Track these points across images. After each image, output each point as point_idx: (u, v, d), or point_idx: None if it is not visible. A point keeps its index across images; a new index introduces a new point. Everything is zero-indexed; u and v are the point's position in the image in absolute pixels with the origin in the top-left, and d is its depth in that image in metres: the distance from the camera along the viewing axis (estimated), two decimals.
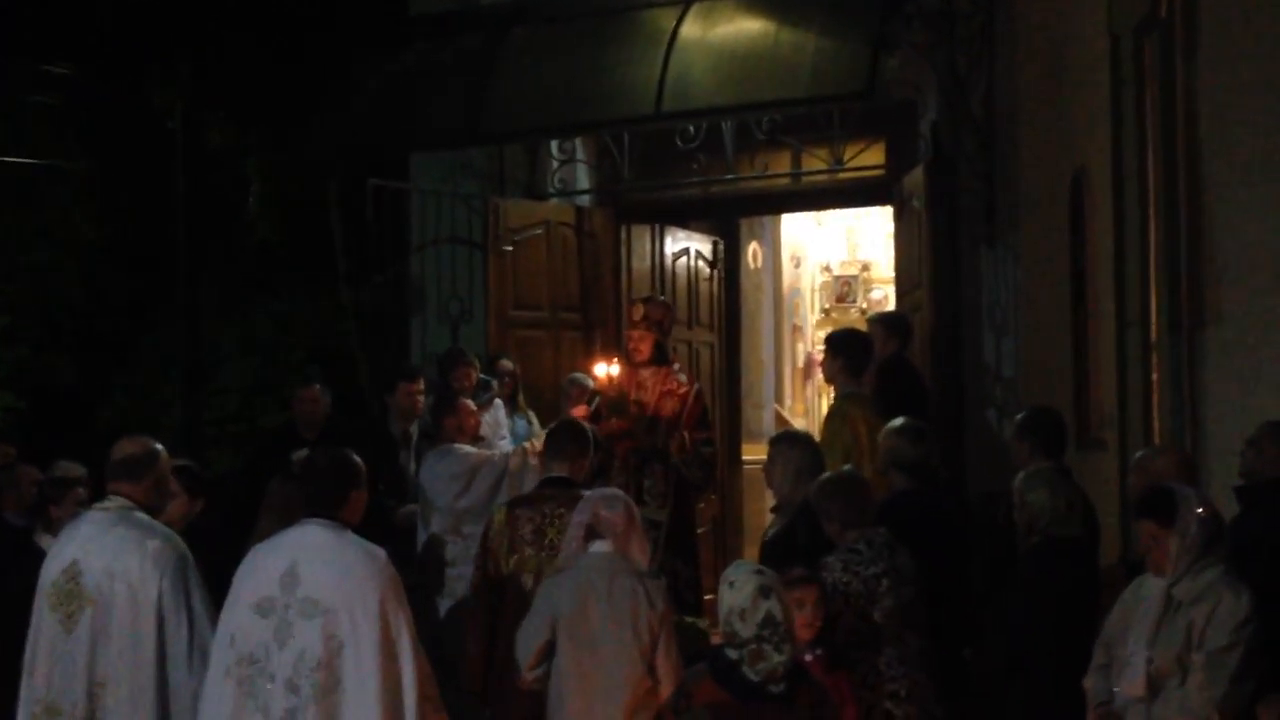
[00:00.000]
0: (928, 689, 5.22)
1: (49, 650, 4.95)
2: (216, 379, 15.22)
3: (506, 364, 9.06)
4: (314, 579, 4.53)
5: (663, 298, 9.20)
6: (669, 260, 10.72)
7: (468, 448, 7.18)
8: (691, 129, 9.55)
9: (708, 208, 11.04)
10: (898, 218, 9.73)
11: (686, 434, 8.05)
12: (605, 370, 8.00)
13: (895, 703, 5.12)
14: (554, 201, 10.51)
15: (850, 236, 13.56)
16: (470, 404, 7.52)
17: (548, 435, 6.28)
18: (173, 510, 5.63)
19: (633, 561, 5.11)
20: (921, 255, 8.92)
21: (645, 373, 8.17)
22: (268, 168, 15.26)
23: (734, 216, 11.50)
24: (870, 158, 9.90)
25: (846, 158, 9.73)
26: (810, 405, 13.35)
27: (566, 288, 10.28)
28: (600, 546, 5.08)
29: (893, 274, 10.76)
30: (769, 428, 11.64)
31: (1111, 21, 7.28)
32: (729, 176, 10.20)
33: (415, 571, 6.69)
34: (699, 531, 8.82)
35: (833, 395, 7.74)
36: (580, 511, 5.18)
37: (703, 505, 9.04)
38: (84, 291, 15.50)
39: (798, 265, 13.54)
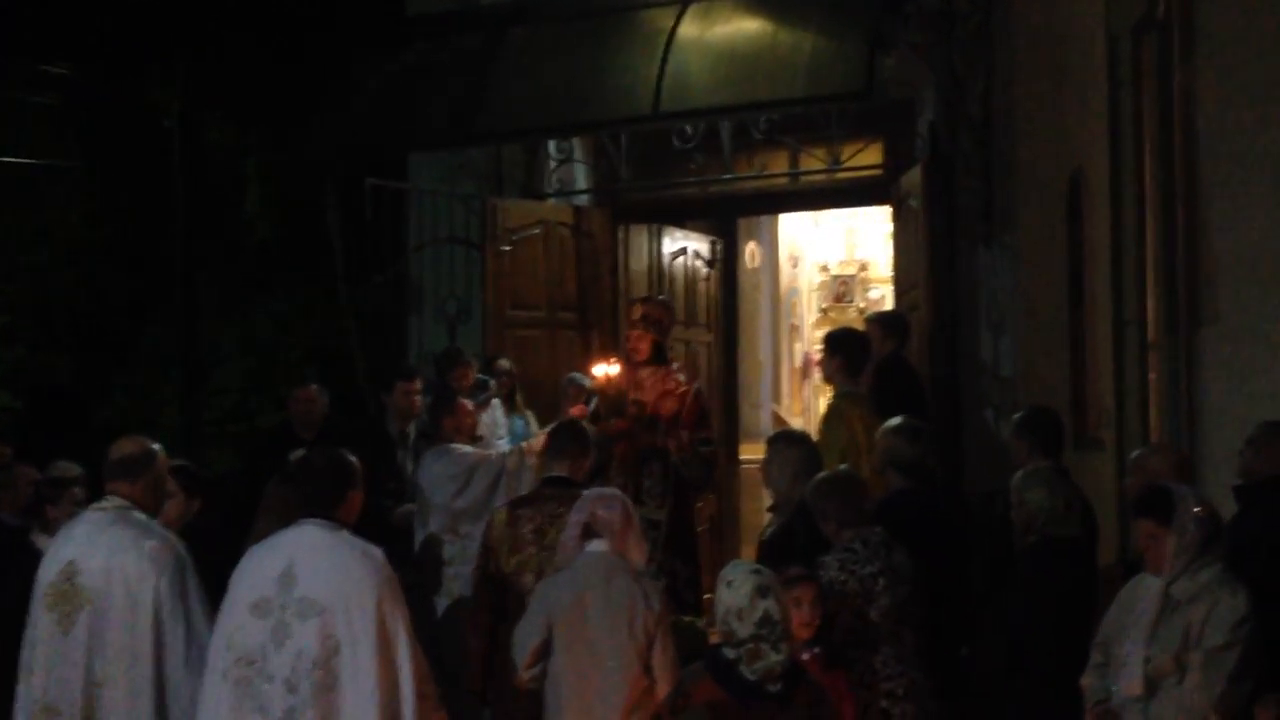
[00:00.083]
0: (924, 687, 5.22)
1: (46, 651, 4.94)
2: (215, 379, 15.19)
3: (504, 364, 9.06)
4: (311, 579, 4.53)
5: (662, 297, 9.20)
6: (667, 260, 10.73)
7: (465, 447, 7.18)
8: (689, 129, 9.54)
9: (705, 207, 11.05)
10: (895, 217, 9.73)
11: (685, 433, 8.05)
12: (604, 370, 8.00)
13: (892, 701, 5.13)
14: (552, 201, 10.51)
15: (848, 236, 13.57)
16: (468, 404, 7.52)
17: (549, 435, 6.30)
18: (170, 510, 5.63)
19: (630, 561, 5.10)
20: (919, 255, 8.92)
21: (644, 372, 8.15)
22: (267, 167, 15.23)
23: (732, 216, 11.50)
24: (868, 157, 9.90)
25: (844, 157, 9.74)
26: (808, 405, 13.36)
27: (564, 287, 10.28)
28: (597, 546, 5.08)
29: (890, 273, 10.77)
30: (766, 427, 11.65)
31: (1109, 22, 7.30)
32: (727, 176, 10.19)
33: (413, 571, 6.69)
34: (698, 531, 8.82)
35: (830, 394, 7.74)
36: (577, 511, 5.17)
37: (700, 505, 9.03)
38: (82, 291, 15.44)
39: (795, 265, 13.55)
